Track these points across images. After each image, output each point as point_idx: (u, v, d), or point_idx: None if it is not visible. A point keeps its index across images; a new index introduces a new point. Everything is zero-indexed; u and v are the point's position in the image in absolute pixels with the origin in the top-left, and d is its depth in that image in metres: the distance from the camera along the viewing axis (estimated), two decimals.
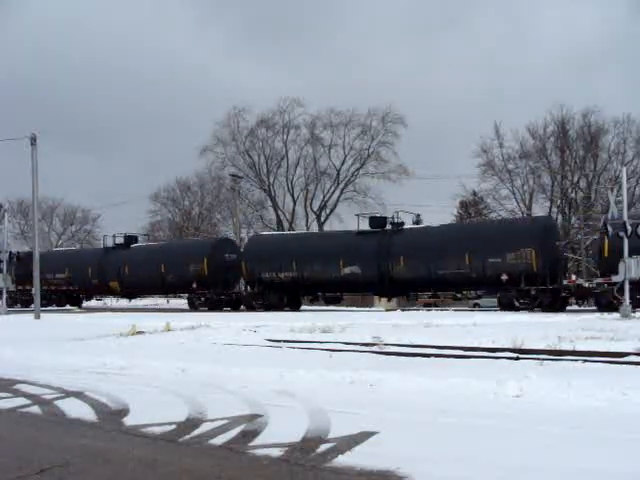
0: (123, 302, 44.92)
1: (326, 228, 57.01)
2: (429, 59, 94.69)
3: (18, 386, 8.89)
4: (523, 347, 11.09)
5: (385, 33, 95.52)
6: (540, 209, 52.59)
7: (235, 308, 33.24)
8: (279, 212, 60.48)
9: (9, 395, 8.15)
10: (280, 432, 5.72)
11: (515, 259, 25.37)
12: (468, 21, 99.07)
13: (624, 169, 22.48)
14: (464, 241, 27.11)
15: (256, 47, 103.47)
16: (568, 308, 26.39)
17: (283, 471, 4.63)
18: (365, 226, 31.33)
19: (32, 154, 28.40)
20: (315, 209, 59.83)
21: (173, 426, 6.12)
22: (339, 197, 59.18)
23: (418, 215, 31.95)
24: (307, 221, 60.27)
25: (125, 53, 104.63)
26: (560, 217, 51.05)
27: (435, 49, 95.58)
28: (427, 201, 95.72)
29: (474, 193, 56.29)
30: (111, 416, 6.75)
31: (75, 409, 7.11)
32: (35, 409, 7.26)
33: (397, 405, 6.85)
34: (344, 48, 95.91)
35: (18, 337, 16.25)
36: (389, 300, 33.08)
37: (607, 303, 22.69)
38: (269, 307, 31.16)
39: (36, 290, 28.57)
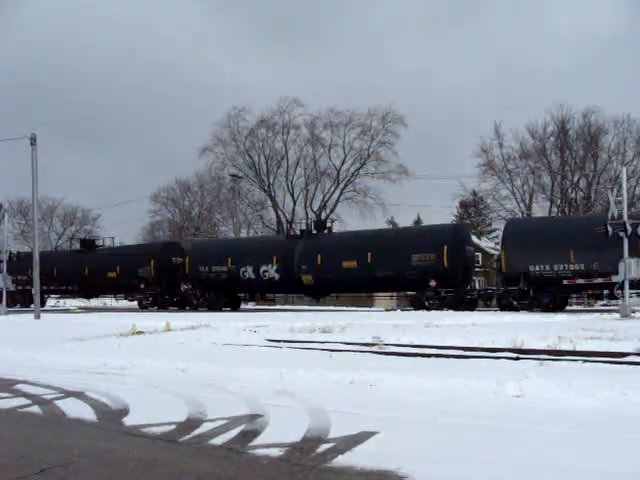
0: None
1: None
2: (429, 59, 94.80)
3: (18, 386, 8.88)
4: (523, 347, 11.10)
5: (385, 34, 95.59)
6: (540, 209, 52.61)
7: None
8: (279, 212, 60.47)
9: (9, 395, 8.15)
10: (280, 432, 5.72)
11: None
12: (468, 22, 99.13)
13: (624, 169, 22.48)
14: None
15: (256, 47, 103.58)
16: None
17: (283, 471, 4.63)
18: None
19: (32, 154, 28.36)
20: (315, 209, 59.79)
21: (173, 426, 6.12)
22: (339, 197, 59.20)
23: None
24: (307, 221, 60.21)
25: (125, 53, 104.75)
26: (562, 216, 51.00)
27: (435, 49, 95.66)
28: (427, 201, 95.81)
29: (474, 193, 56.32)
30: (111, 416, 6.75)
31: (75, 409, 7.11)
32: (35, 409, 7.26)
33: (397, 405, 6.85)
34: (344, 48, 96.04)
35: (18, 337, 16.26)
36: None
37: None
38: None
39: (36, 290, 28.55)
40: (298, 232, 33.23)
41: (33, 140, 28.29)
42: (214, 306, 32.71)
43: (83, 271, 38.06)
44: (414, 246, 27.29)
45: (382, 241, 29.06)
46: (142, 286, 35.25)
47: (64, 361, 11.31)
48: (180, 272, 34.85)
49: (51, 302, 46.21)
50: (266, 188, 60.38)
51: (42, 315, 27.06)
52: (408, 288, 29.38)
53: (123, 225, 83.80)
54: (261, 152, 60.24)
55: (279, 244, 32.36)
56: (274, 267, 30.77)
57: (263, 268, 31.01)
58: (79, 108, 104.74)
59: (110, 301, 47.09)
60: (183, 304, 34.93)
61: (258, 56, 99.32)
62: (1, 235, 31.86)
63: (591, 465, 4.52)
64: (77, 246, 42.77)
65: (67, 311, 35.49)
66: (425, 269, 26.58)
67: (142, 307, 35.70)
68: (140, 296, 36.23)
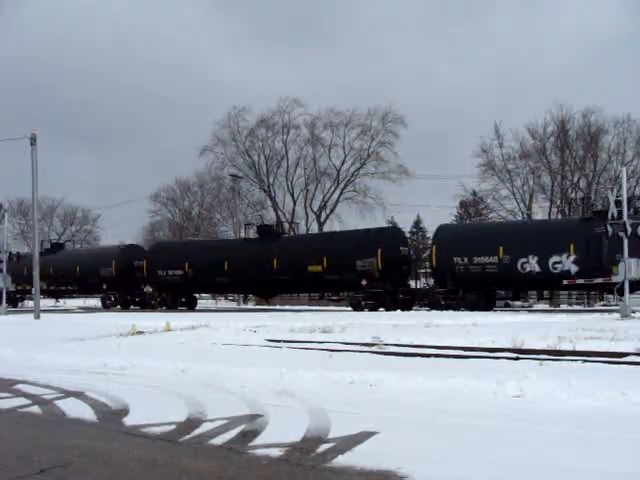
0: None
1: (326, 228, 57.00)
2: (429, 59, 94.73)
3: (18, 386, 8.88)
4: (523, 347, 11.10)
5: (385, 33, 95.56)
6: (540, 209, 52.55)
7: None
8: (279, 212, 60.43)
9: (9, 395, 8.15)
10: (280, 432, 5.72)
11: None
12: (468, 21, 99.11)
13: (624, 169, 22.47)
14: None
15: (256, 47, 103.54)
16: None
17: (283, 471, 4.63)
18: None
19: (32, 154, 28.38)
20: (315, 209, 59.79)
21: (173, 426, 6.12)
22: (339, 197, 59.16)
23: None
24: (307, 221, 60.25)
25: (125, 53, 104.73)
26: (560, 217, 51.05)
27: (435, 49, 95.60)
28: (427, 201, 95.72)
29: (474, 193, 56.24)
30: (111, 416, 6.75)
31: (75, 409, 7.11)
32: (35, 409, 7.26)
33: (397, 405, 6.85)
34: (344, 48, 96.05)
35: (18, 337, 16.26)
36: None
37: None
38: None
39: (36, 290, 28.58)
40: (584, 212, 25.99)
41: (33, 140, 28.30)
42: (473, 306, 25.74)
43: (270, 264, 30.53)
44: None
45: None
46: (363, 283, 28.11)
47: (64, 361, 11.31)
48: (404, 265, 29.10)
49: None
50: (266, 188, 60.36)
51: (42, 315, 27.07)
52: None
53: (123, 225, 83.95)
54: (261, 152, 60.23)
55: (576, 228, 25.44)
56: (571, 257, 24.27)
57: (554, 259, 24.53)
58: (79, 108, 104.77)
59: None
60: (411, 304, 28.49)
61: (258, 56, 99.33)
62: (1, 235, 31.87)
63: (591, 465, 4.51)
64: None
65: (67, 311, 35.47)
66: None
67: (355, 308, 28.64)
68: (358, 295, 28.78)
